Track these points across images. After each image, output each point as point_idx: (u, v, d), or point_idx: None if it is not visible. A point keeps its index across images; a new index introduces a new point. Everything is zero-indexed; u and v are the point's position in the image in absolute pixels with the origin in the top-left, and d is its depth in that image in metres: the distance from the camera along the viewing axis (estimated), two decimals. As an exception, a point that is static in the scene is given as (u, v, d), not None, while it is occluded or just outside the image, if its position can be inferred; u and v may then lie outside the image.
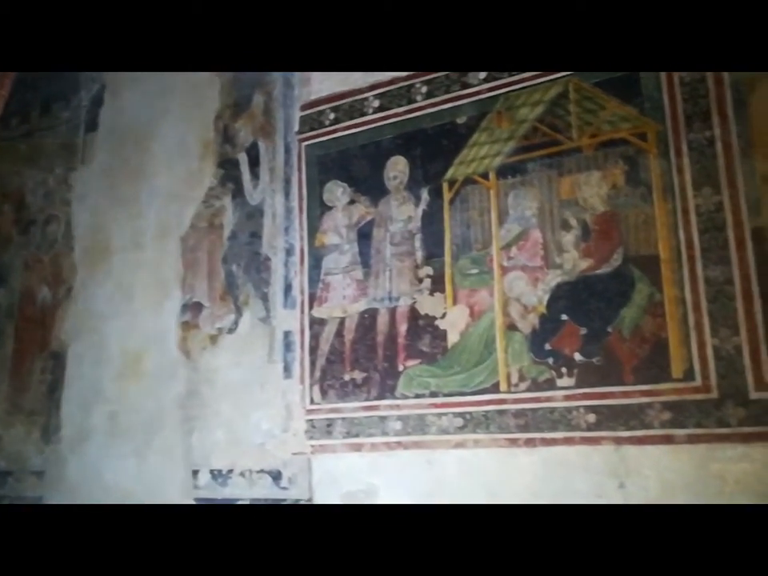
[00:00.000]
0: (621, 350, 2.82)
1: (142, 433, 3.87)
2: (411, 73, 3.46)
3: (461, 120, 3.35)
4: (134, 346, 4.03)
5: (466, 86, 3.35)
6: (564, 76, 3.11)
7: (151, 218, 4.17)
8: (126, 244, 4.22)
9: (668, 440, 2.65)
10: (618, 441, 2.73)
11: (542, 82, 3.17)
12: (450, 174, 3.33)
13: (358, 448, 3.29)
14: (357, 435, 3.30)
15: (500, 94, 3.26)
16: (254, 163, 3.89)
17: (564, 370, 2.92)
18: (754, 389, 2.54)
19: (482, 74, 3.31)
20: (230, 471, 3.58)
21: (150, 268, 4.10)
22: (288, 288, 3.64)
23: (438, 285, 3.29)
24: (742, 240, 2.65)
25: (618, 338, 2.83)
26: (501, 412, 3.00)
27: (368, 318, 3.43)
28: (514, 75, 3.24)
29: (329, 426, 3.39)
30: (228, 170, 3.98)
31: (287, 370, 3.55)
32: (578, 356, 2.91)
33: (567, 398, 2.88)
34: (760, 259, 2.61)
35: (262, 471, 3.50)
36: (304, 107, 3.79)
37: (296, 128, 3.79)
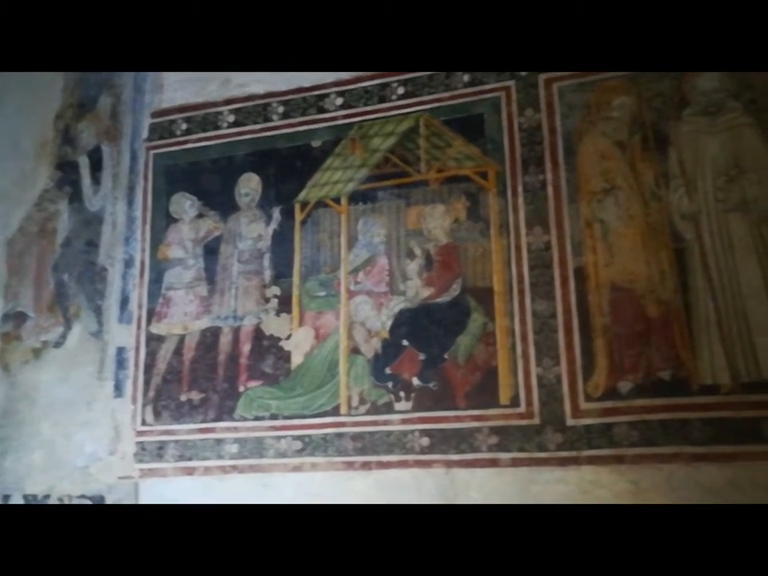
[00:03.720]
0: (455, 376, 2.94)
1: (-55, 455, 3.48)
2: (268, 91, 3.45)
3: (316, 143, 3.37)
4: (-60, 358, 3.62)
5: (322, 110, 3.39)
6: (416, 111, 3.24)
7: (-27, 217, 3.81)
8: (-59, 245, 3.81)
9: (494, 463, 2.79)
10: (449, 464, 2.83)
11: (395, 115, 3.28)
12: (302, 195, 3.33)
13: (190, 472, 3.16)
14: (190, 458, 3.17)
15: (355, 122, 3.33)
16: (96, 168, 3.67)
17: (402, 394, 2.99)
18: (571, 416, 2.74)
19: (339, 101, 3.37)
20: (47, 496, 3.31)
21: (-33, 272, 3.73)
22: (125, 301, 3.45)
23: (284, 305, 3.26)
24: (566, 277, 2.87)
25: (454, 365, 2.95)
26: (339, 435, 3.01)
27: (210, 337, 3.33)
28: (369, 105, 3.33)
29: (160, 448, 3.23)
30: (66, 173, 3.74)
31: (118, 388, 3.35)
32: (415, 381, 2.99)
33: (404, 421, 2.95)
34: (580, 296, 2.84)
35: (83, 496, 3.26)
36: (155, 114, 3.65)
37: (145, 135, 3.64)
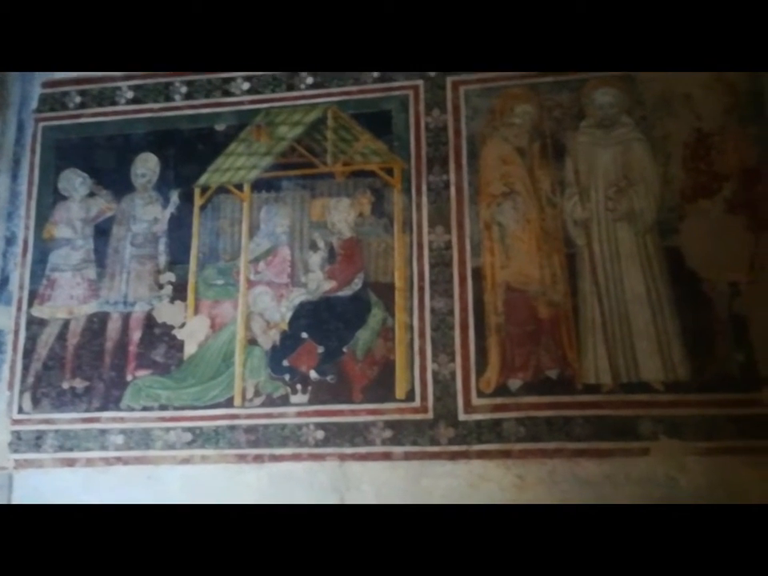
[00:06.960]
0: (353, 370, 2.95)
1: None
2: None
3: (219, 127, 3.28)
4: None
5: (227, 93, 3.30)
6: (324, 102, 3.21)
7: None
8: None
9: (387, 457, 2.82)
10: (343, 457, 2.84)
11: (303, 105, 3.24)
12: (203, 179, 3.23)
13: (71, 463, 3.00)
14: (71, 449, 3.02)
15: (261, 108, 3.26)
16: (-23, 137, 3.42)
17: (299, 386, 2.97)
18: (463, 411, 2.82)
19: (246, 85, 3.29)
20: None
21: None
22: (4, 281, 3.26)
23: (179, 293, 3.16)
24: (464, 277, 2.94)
25: (352, 359, 2.96)
26: (232, 427, 2.95)
27: (97, 322, 3.17)
28: (276, 92, 3.27)
29: (38, 438, 3.05)
30: (-57, 141, 3.46)
31: (-7, 374, 3.14)
32: (313, 374, 2.98)
33: (299, 414, 2.92)
34: (477, 295, 2.92)
35: (-51, 489, 3.02)
36: (46, 85, 3.45)
37: (34, 106, 3.43)
